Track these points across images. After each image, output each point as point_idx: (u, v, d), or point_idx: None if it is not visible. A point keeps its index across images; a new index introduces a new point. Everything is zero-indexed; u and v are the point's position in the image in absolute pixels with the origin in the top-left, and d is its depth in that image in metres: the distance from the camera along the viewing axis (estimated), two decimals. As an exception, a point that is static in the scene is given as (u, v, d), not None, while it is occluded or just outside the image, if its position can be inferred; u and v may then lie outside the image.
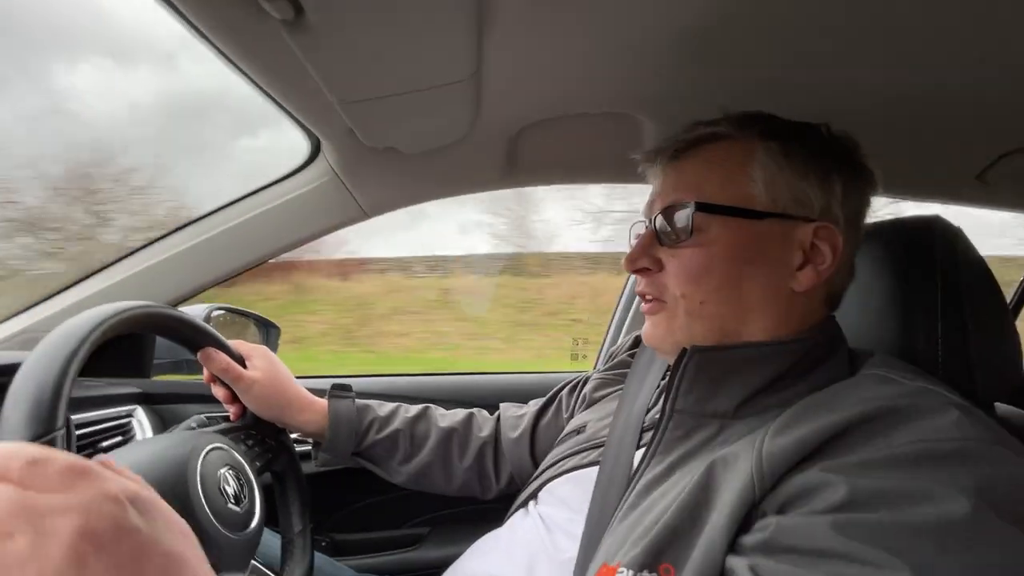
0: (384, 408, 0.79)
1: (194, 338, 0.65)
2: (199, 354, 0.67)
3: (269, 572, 0.67)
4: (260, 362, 0.71)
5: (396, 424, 0.77)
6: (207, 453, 0.57)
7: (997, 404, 0.58)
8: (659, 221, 0.50)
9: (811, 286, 0.48)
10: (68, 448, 0.66)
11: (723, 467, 0.41)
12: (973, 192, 0.98)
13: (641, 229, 0.56)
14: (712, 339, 0.49)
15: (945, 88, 0.68)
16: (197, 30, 0.51)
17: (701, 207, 0.48)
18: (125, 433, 0.87)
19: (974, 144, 0.85)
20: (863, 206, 0.52)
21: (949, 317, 0.53)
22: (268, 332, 1.22)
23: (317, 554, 0.80)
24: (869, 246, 0.58)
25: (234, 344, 0.71)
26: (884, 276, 0.57)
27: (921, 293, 0.54)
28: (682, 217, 0.48)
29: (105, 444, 0.81)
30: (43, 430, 0.39)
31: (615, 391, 0.70)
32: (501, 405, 0.85)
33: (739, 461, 0.40)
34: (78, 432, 0.76)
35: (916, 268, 0.55)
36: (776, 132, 0.49)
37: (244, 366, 0.70)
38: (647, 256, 0.51)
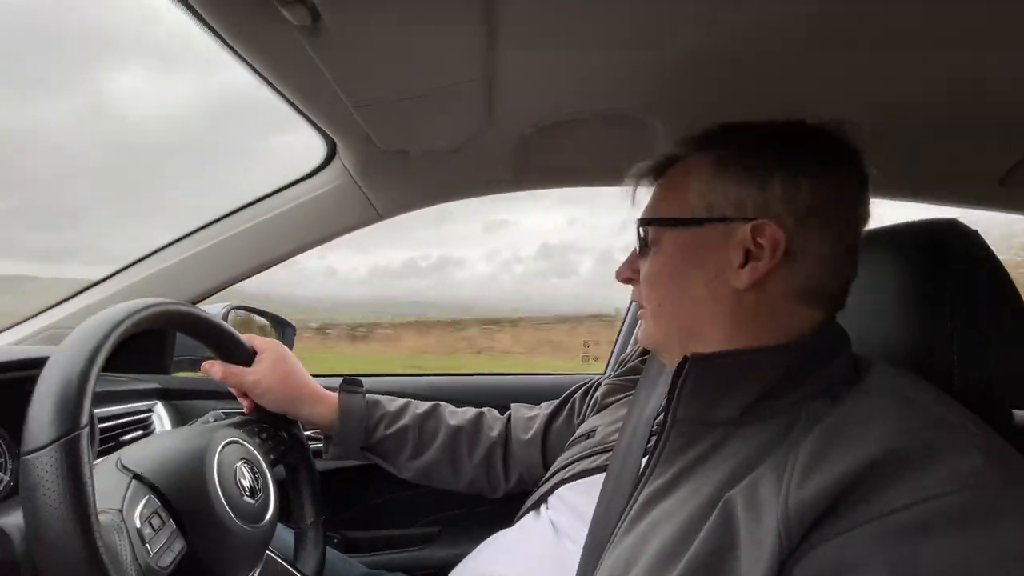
0: (394, 404, 0.80)
1: (208, 333, 0.67)
2: (202, 367, 0.70)
3: (283, 562, 0.68)
4: (268, 356, 0.72)
5: (405, 420, 0.78)
6: (223, 447, 0.58)
7: (1016, 411, 0.57)
8: (638, 237, 0.56)
9: (752, 282, 0.48)
10: (91, 443, 0.69)
11: (745, 509, 0.39)
12: (995, 196, 0.96)
13: None
14: (675, 338, 0.53)
15: (967, 89, 0.66)
16: (216, 34, 0.53)
17: (648, 222, 0.55)
18: (145, 427, 0.90)
19: (996, 147, 0.83)
20: (816, 197, 0.49)
21: (967, 322, 0.52)
22: (284, 331, 1.25)
23: (329, 550, 0.81)
24: (884, 249, 0.57)
25: (247, 338, 0.73)
26: (899, 280, 0.56)
27: (938, 297, 0.53)
28: (643, 233, 0.55)
29: (126, 438, 0.83)
30: (69, 427, 0.41)
31: (626, 396, 0.70)
32: (512, 406, 0.85)
33: (763, 509, 0.38)
34: (101, 426, 0.78)
35: (932, 272, 0.54)
36: (713, 142, 0.53)
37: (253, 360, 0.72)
38: (629, 268, 0.58)
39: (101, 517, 0.43)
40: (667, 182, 0.56)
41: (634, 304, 1.39)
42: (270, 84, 0.62)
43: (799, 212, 0.48)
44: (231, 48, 0.55)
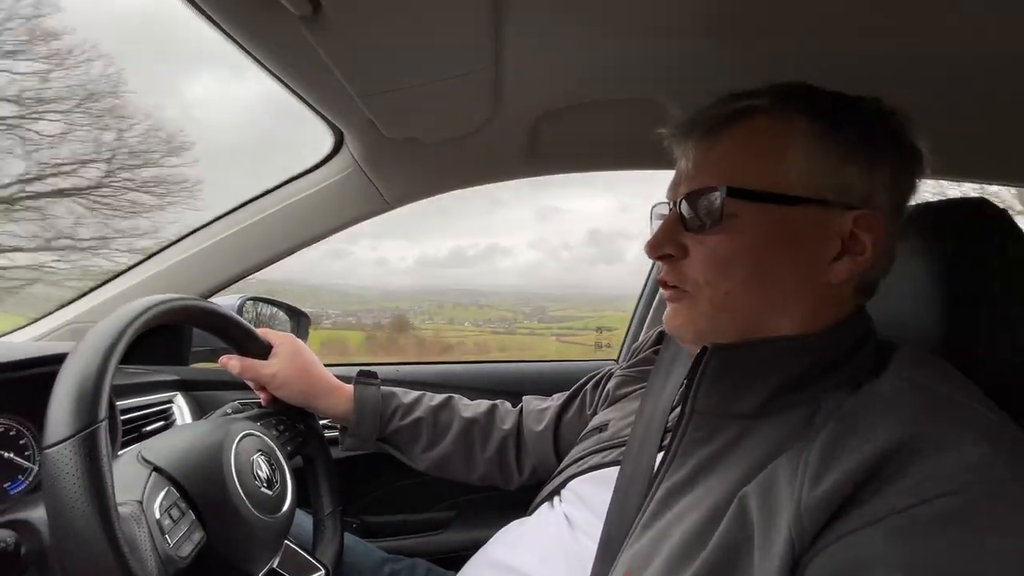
0: (408, 396, 0.81)
1: (223, 327, 0.68)
2: (219, 360, 0.71)
3: (302, 551, 0.70)
4: (283, 350, 0.73)
5: (419, 412, 0.79)
6: (240, 439, 0.59)
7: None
8: (684, 205, 0.47)
9: (847, 278, 0.45)
10: (113, 434, 0.71)
11: (760, 507, 0.38)
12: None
13: (663, 211, 0.53)
14: (736, 330, 0.47)
15: (1003, 58, 0.63)
16: (218, 27, 0.52)
17: (733, 192, 0.44)
18: (166, 418, 0.92)
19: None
20: (910, 191, 0.48)
21: (996, 306, 0.50)
22: (299, 321, 1.26)
23: (348, 535, 0.82)
24: (910, 230, 0.55)
25: (261, 332, 0.74)
26: (926, 263, 0.54)
27: (966, 280, 0.51)
28: (710, 202, 0.45)
29: (148, 429, 0.85)
30: (88, 421, 0.42)
31: (638, 389, 0.69)
32: (524, 398, 0.85)
33: (777, 509, 0.37)
34: (123, 417, 0.80)
35: (961, 254, 0.52)
36: (820, 108, 0.45)
37: (268, 353, 0.73)
38: (671, 242, 0.48)
39: (121, 508, 0.44)
40: (744, 141, 0.46)
41: (650, 286, 1.37)
42: (274, 75, 0.62)
43: (894, 204, 0.46)
44: (233, 40, 0.55)
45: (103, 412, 0.43)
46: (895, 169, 0.45)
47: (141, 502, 0.47)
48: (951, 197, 0.57)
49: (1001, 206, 0.54)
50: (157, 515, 0.47)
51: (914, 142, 0.47)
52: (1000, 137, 0.83)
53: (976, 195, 0.57)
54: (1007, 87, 0.69)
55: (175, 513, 0.49)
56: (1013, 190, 1.49)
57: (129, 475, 0.50)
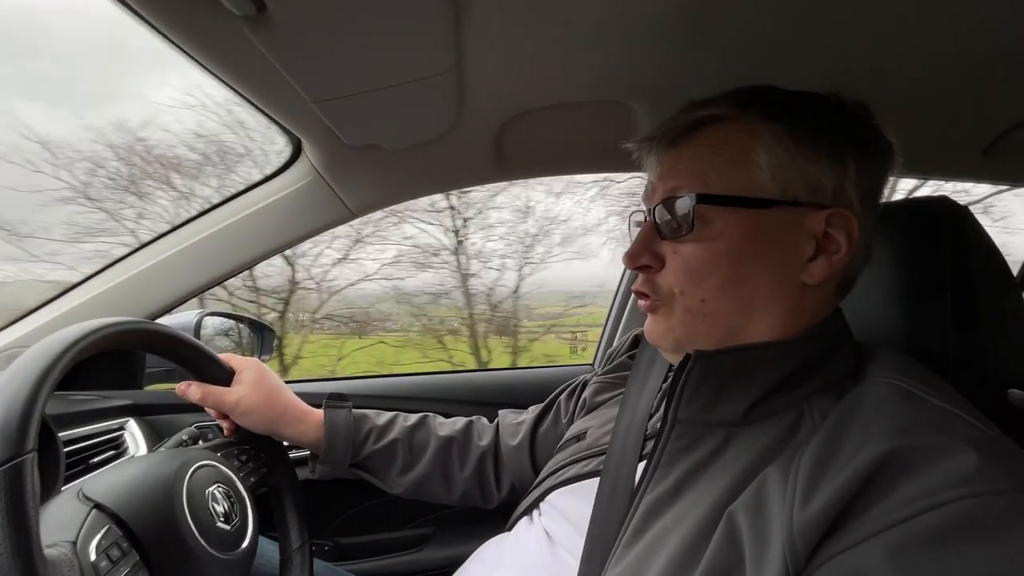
0: (382, 417, 0.77)
1: (178, 351, 0.63)
2: (177, 389, 0.66)
3: None
4: (248, 375, 0.68)
5: (394, 433, 0.75)
6: (195, 471, 0.55)
7: (1011, 390, 0.56)
8: (659, 212, 0.47)
9: (824, 278, 0.45)
10: (54, 469, 0.65)
11: (750, 526, 0.37)
12: (979, 168, 0.96)
13: (639, 217, 0.52)
14: (716, 337, 0.46)
15: (951, 59, 0.65)
16: (155, 29, 0.48)
17: (703, 198, 0.44)
18: (117, 447, 0.86)
19: (980, 118, 0.82)
20: (880, 183, 0.48)
21: (959, 301, 0.51)
22: (263, 335, 1.21)
23: (319, 561, 0.78)
24: (875, 229, 0.56)
25: (224, 358, 0.69)
26: (891, 260, 0.55)
27: (930, 277, 0.52)
28: (683, 209, 0.45)
29: (96, 460, 0.79)
30: (12, 453, 0.38)
31: (616, 395, 0.67)
32: (500, 412, 0.83)
33: (768, 528, 0.36)
34: (68, 448, 0.74)
35: (924, 251, 0.53)
36: (782, 111, 0.45)
37: (231, 378, 0.68)
38: (648, 252, 0.48)
39: (50, 551, 0.40)
40: (711, 148, 0.46)
41: (623, 291, 1.37)
42: (221, 80, 0.58)
43: (865, 199, 0.45)
44: (173, 43, 0.51)
45: (30, 444, 0.39)
46: (860, 161, 0.45)
47: (75, 543, 0.43)
48: (912, 197, 0.58)
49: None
50: (92, 556, 0.43)
51: (878, 133, 0.47)
52: (956, 135, 0.86)
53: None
54: (964, 86, 0.71)
55: (114, 553, 0.45)
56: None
57: (65, 514, 0.46)
